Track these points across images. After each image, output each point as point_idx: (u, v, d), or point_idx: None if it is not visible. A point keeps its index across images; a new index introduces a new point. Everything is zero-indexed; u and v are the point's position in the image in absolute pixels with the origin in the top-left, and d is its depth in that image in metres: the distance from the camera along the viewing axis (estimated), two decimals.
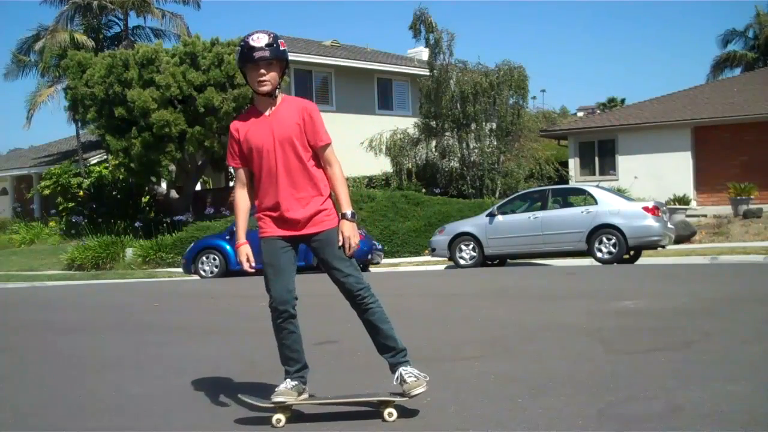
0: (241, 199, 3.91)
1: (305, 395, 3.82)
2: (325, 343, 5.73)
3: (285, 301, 3.74)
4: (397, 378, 3.72)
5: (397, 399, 3.71)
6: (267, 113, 3.79)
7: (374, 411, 3.77)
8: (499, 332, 6.21)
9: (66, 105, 24.04)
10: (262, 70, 3.69)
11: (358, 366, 5.01)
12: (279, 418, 3.72)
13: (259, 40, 3.67)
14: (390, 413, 3.68)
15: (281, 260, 3.78)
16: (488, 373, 4.61)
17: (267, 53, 3.67)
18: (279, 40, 3.72)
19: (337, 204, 3.82)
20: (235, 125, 3.87)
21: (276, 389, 3.77)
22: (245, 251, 3.84)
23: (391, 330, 3.78)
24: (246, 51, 3.68)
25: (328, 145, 3.80)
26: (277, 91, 3.78)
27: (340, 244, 3.72)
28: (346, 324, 5.88)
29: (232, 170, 3.96)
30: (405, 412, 3.76)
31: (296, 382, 3.78)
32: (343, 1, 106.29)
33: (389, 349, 3.78)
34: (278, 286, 3.74)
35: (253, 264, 3.82)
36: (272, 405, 3.72)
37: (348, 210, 3.73)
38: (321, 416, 3.84)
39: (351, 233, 3.72)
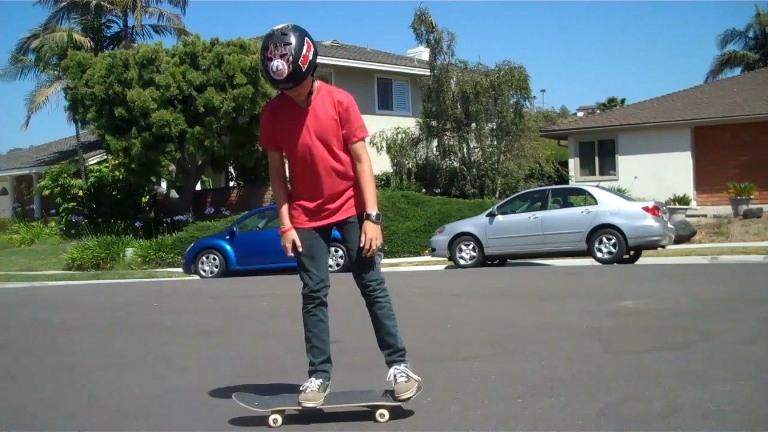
0: (281, 187, 3.85)
1: (328, 391, 3.78)
2: None
3: (318, 289, 3.74)
4: (390, 376, 3.74)
5: (387, 403, 3.70)
6: (303, 106, 3.70)
7: (370, 410, 3.77)
8: (499, 332, 6.21)
9: (66, 105, 24.03)
10: (290, 91, 3.61)
11: (358, 366, 5.01)
12: (276, 418, 3.72)
13: (280, 73, 3.47)
14: (381, 414, 3.69)
15: (315, 248, 3.78)
16: (488, 373, 4.61)
17: (291, 85, 3.54)
18: (300, 59, 3.47)
19: (362, 202, 3.75)
20: (270, 109, 3.78)
21: (302, 391, 3.71)
22: (291, 236, 3.75)
23: (394, 328, 3.78)
24: (268, 79, 3.56)
25: (362, 139, 3.74)
26: (313, 84, 3.67)
27: (362, 245, 3.69)
28: (347, 324, 5.89)
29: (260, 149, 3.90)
30: (405, 412, 3.76)
31: (321, 380, 3.74)
32: (343, 1, 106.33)
33: (388, 346, 3.78)
34: (312, 273, 3.75)
35: (299, 250, 3.74)
36: (271, 411, 3.72)
37: (373, 211, 3.69)
38: (318, 417, 3.83)
39: (374, 235, 3.68)
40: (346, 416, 3.80)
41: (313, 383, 3.73)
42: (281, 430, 3.70)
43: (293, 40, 3.50)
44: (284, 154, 3.84)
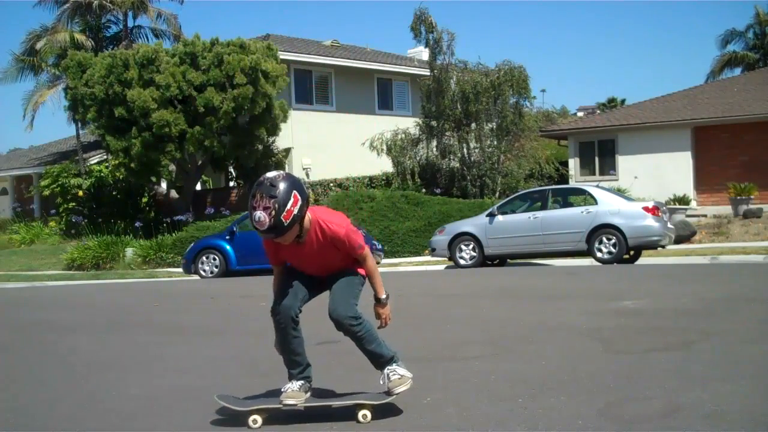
0: (277, 275, 4.01)
1: (309, 393, 3.90)
2: (325, 343, 5.72)
3: (288, 308, 3.77)
4: (383, 377, 3.83)
5: (369, 402, 3.78)
6: (297, 243, 3.75)
7: (355, 411, 3.79)
8: (499, 332, 6.21)
9: (66, 105, 24.03)
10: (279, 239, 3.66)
11: (358, 366, 5.00)
12: (255, 418, 3.79)
13: (262, 224, 3.52)
14: (364, 415, 3.74)
15: (301, 278, 3.89)
16: (488, 373, 4.61)
17: (272, 236, 3.60)
18: (283, 214, 3.50)
19: (373, 288, 3.91)
20: (268, 241, 3.82)
21: (283, 391, 3.81)
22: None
23: (378, 348, 3.84)
24: (254, 228, 3.60)
25: (362, 253, 3.84)
26: (304, 221, 3.69)
27: (378, 324, 3.89)
28: None
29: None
30: (405, 413, 3.76)
31: (302, 382, 3.85)
32: (343, 1, 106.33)
33: (378, 364, 3.88)
34: (278, 292, 3.84)
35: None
36: (250, 410, 3.82)
37: (383, 295, 3.88)
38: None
39: (386, 313, 3.90)
40: (330, 417, 3.79)
41: (294, 384, 3.84)
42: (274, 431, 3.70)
43: (280, 193, 3.52)
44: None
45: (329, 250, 3.77)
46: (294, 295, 3.81)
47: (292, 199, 3.52)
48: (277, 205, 3.49)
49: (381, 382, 3.83)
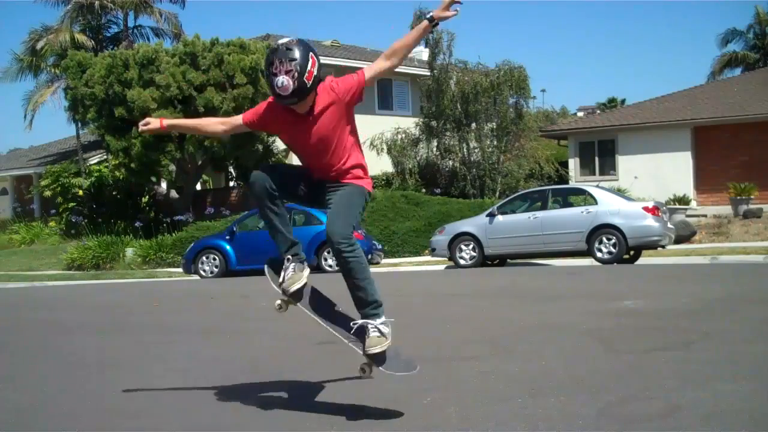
0: (211, 122, 4.08)
1: (306, 269, 3.87)
2: (324, 343, 5.72)
3: (261, 178, 3.72)
4: (364, 328, 3.65)
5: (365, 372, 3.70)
6: (304, 113, 3.68)
7: (370, 410, 3.77)
8: (499, 332, 6.21)
9: (66, 105, 24.04)
10: (295, 106, 3.62)
11: (357, 366, 5.00)
12: (280, 304, 3.87)
13: (285, 89, 3.48)
14: (363, 369, 3.70)
15: (292, 175, 3.88)
16: (488, 373, 4.61)
17: (295, 100, 3.55)
18: (305, 74, 3.48)
19: (417, 32, 3.71)
20: (274, 107, 3.75)
21: (283, 280, 3.81)
22: (151, 120, 4.01)
23: (364, 281, 3.66)
24: (273, 93, 3.57)
25: (365, 76, 3.71)
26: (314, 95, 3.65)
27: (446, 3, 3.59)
28: None
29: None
30: (405, 413, 3.76)
31: (295, 263, 3.83)
32: (343, 1, 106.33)
33: (360, 301, 3.70)
34: (275, 179, 3.75)
35: (146, 127, 3.97)
36: (286, 299, 3.85)
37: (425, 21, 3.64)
38: (318, 415, 3.84)
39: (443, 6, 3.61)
40: (345, 416, 3.79)
41: (290, 266, 3.82)
42: (283, 430, 3.70)
43: (298, 55, 3.50)
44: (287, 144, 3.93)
45: (331, 133, 3.68)
46: (272, 169, 3.80)
47: (310, 60, 3.53)
48: (298, 67, 3.47)
49: (352, 324, 3.67)
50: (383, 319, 3.69)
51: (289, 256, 3.84)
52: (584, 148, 24.62)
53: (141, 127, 4.01)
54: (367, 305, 3.68)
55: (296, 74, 3.47)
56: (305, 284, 3.83)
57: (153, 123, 4.00)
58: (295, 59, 3.48)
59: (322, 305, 3.92)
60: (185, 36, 25.56)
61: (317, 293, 3.97)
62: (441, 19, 3.65)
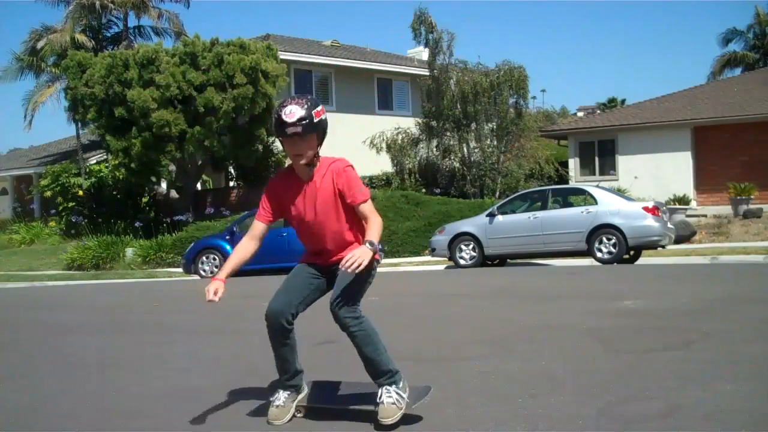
0: (245, 248, 3.78)
1: (303, 394, 3.85)
2: (324, 343, 5.72)
3: (278, 314, 3.64)
4: (379, 396, 3.61)
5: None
6: (306, 180, 3.67)
7: (370, 411, 3.76)
8: (499, 332, 6.21)
9: (66, 105, 24.03)
10: (297, 145, 3.54)
11: (358, 366, 5.00)
12: (299, 408, 3.82)
13: (292, 115, 3.47)
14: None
15: (299, 280, 3.77)
16: (488, 373, 4.61)
17: (299, 129, 3.48)
18: (314, 111, 3.51)
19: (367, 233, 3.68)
20: (273, 184, 3.76)
21: (271, 404, 3.78)
22: (216, 285, 3.63)
23: (373, 353, 3.62)
24: (278, 126, 3.52)
25: (365, 202, 3.66)
26: (315, 158, 3.63)
27: (344, 259, 3.46)
28: None
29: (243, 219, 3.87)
30: (405, 414, 3.76)
31: (289, 392, 3.80)
32: (343, 1, 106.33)
33: (372, 372, 3.68)
34: (280, 299, 3.69)
35: (216, 299, 3.63)
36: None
37: (373, 239, 3.54)
38: (319, 416, 3.84)
39: (362, 255, 3.41)
40: (345, 416, 3.79)
41: (281, 395, 3.79)
42: (282, 431, 3.70)
43: (311, 99, 3.59)
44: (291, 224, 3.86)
45: (333, 201, 3.64)
46: (287, 296, 3.69)
47: (320, 107, 3.59)
48: (309, 103, 3.54)
49: (377, 399, 3.62)
50: (400, 385, 3.63)
51: (288, 386, 3.80)
52: (584, 148, 24.62)
53: (214, 298, 3.65)
54: (381, 375, 3.64)
55: (306, 105, 3.51)
56: (291, 418, 3.77)
57: (218, 289, 3.65)
58: (308, 97, 3.59)
59: (328, 391, 3.95)
60: (185, 36, 25.55)
61: (318, 386, 3.96)
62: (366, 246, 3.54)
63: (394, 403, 3.56)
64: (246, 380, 4.71)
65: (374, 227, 3.61)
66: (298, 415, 3.82)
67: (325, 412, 3.83)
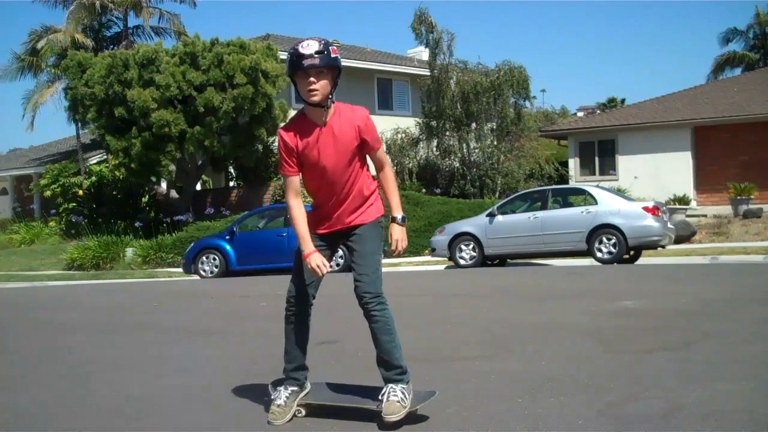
0: (299, 207, 3.73)
1: (305, 392, 3.84)
2: (325, 343, 5.72)
3: (299, 296, 3.74)
4: (383, 394, 3.60)
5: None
6: (320, 125, 3.62)
7: (370, 411, 3.76)
8: (499, 332, 6.20)
9: (66, 105, 24.02)
10: (312, 78, 3.51)
11: (358, 367, 5.01)
12: (299, 409, 3.80)
13: (309, 47, 3.49)
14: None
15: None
16: (488, 373, 4.61)
17: (317, 61, 3.49)
18: (330, 47, 3.54)
19: (388, 208, 3.83)
20: (286, 134, 3.67)
21: (273, 402, 3.77)
22: (316, 259, 3.61)
23: (390, 344, 3.63)
24: (295, 59, 3.51)
25: (379, 147, 3.75)
26: (329, 100, 3.59)
27: (391, 246, 3.75)
28: (347, 324, 5.89)
29: (281, 177, 3.85)
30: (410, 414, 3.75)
31: (292, 388, 3.79)
32: (343, 1, 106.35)
33: (383, 363, 3.67)
34: (297, 280, 3.76)
35: (326, 271, 3.64)
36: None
37: (399, 214, 3.76)
38: (320, 414, 3.83)
39: (401, 236, 3.76)
40: (346, 416, 3.79)
41: (282, 394, 3.77)
42: (284, 430, 3.70)
43: (326, 39, 3.61)
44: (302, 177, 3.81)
45: (348, 148, 3.62)
46: (301, 277, 3.74)
47: (334, 47, 3.58)
48: (325, 41, 3.56)
49: (381, 397, 3.59)
50: (406, 385, 3.62)
51: (291, 380, 3.80)
52: (584, 148, 24.63)
53: (325, 270, 3.65)
54: (392, 369, 3.63)
55: (324, 41, 3.55)
56: (292, 417, 3.76)
57: (321, 265, 3.63)
58: (323, 37, 3.62)
59: (330, 390, 3.95)
60: (186, 36, 25.54)
61: (325, 387, 3.95)
62: (393, 224, 3.80)
63: (399, 402, 3.54)
64: (246, 380, 4.71)
65: (394, 194, 3.80)
66: (300, 414, 3.81)
67: (327, 411, 3.83)
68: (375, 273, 3.68)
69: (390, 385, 3.61)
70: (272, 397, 3.82)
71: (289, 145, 3.66)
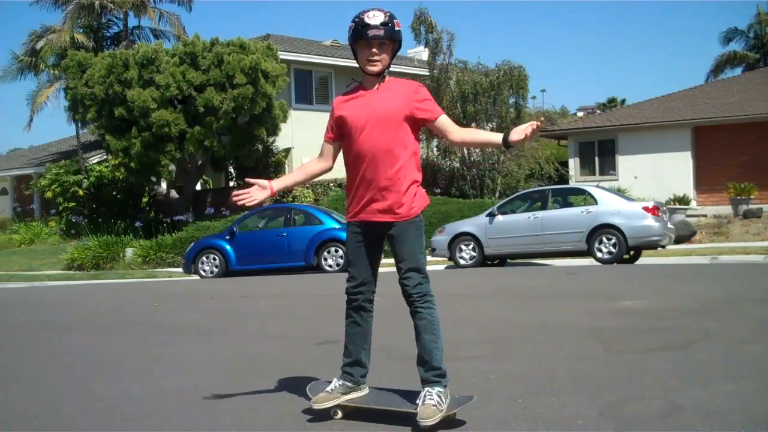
0: (312, 163, 3.80)
1: (360, 393, 3.76)
2: (324, 343, 5.72)
3: (354, 292, 3.71)
4: (421, 397, 3.52)
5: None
6: (370, 90, 3.64)
7: (370, 411, 3.75)
8: (499, 332, 6.20)
9: (66, 105, 24.03)
10: (374, 50, 3.53)
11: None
12: (335, 410, 3.74)
13: (375, 18, 3.50)
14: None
15: (357, 251, 3.72)
16: (488, 373, 4.61)
17: (381, 32, 3.50)
18: (395, 20, 3.55)
19: (489, 141, 3.82)
20: (337, 100, 3.71)
21: (319, 392, 3.74)
22: (257, 190, 3.70)
23: (432, 344, 3.58)
24: (360, 28, 3.52)
25: (442, 114, 3.68)
26: (385, 73, 3.62)
27: (528, 134, 3.56)
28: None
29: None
30: (407, 414, 3.75)
31: (342, 381, 3.73)
32: (343, 1, 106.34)
33: (423, 362, 3.62)
34: (351, 275, 3.73)
35: (249, 203, 3.68)
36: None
37: (500, 139, 3.64)
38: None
39: (526, 130, 3.59)
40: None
41: (334, 383, 3.74)
42: (285, 429, 3.70)
43: (390, 12, 3.60)
44: (345, 149, 3.73)
45: (395, 114, 3.57)
46: (359, 273, 3.69)
47: (397, 20, 3.59)
48: (390, 13, 3.56)
49: (418, 401, 3.51)
50: (443, 389, 3.55)
51: (344, 374, 3.74)
52: (584, 148, 24.63)
53: (247, 201, 3.68)
54: (430, 370, 3.57)
55: (388, 12, 3.55)
56: (335, 407, 3.70)
57: (260, 193, 3.71)
58: (388, 10, 3.60)
59: (384, 398, 3.84)
60: (185, 36, 25.54)
61: (375, 392, 3.87)
62: (515, 144, 3.66)
63: (434, 405, 3.46)
64: (246, 380, 4.71)
65: (480, 134, 3.90)
66: (336, 417, 3.73)
67: (363, 414, 3.77)
68: (421, 267, 3.65)
69: (427, 388, 3.56)
70: (328, 387, 3.74)
71: (334, 112, 3.70)
